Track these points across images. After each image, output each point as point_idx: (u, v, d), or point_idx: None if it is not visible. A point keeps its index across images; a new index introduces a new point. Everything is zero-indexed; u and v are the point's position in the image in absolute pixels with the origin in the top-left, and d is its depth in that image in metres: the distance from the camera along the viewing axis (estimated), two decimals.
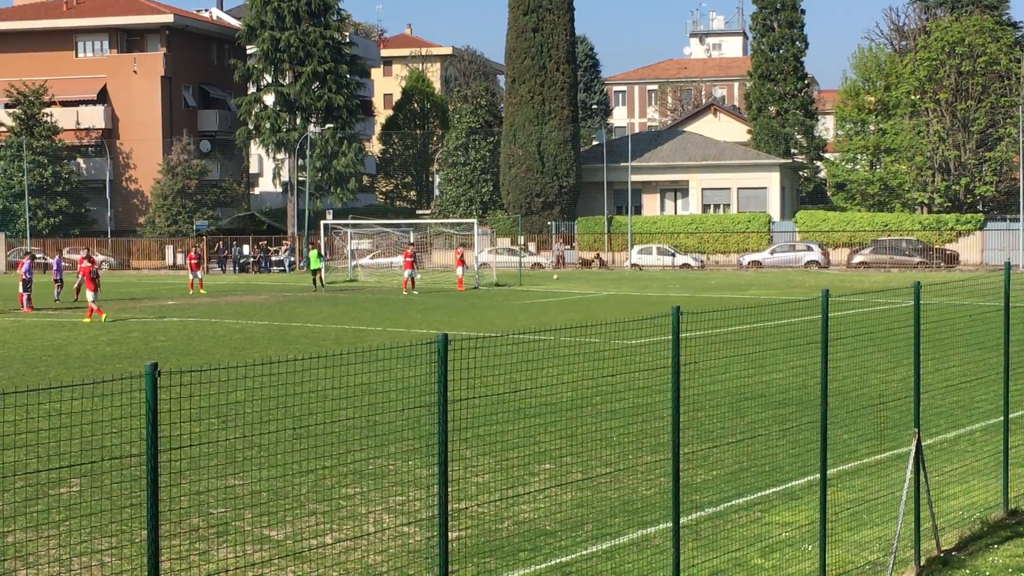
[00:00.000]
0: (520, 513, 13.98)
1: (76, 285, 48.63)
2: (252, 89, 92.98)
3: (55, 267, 53.37)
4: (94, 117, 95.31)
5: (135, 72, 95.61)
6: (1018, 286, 15.26)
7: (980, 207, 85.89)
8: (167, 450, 9.68)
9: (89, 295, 44.69)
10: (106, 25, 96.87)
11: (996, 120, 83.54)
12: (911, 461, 12.23)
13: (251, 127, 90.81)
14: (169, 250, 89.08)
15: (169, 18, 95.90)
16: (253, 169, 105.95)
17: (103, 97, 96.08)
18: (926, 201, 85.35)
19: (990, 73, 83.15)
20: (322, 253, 63.64)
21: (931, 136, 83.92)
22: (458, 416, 10.17)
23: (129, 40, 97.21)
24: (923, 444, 12.49)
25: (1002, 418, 14.70)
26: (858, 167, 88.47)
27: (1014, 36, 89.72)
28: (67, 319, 41.81)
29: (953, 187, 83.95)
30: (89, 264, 48.16)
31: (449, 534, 8.59)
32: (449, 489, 8.58)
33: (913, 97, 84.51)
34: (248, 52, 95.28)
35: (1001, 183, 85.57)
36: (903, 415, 15.38)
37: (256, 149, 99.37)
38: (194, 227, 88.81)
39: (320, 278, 60.25)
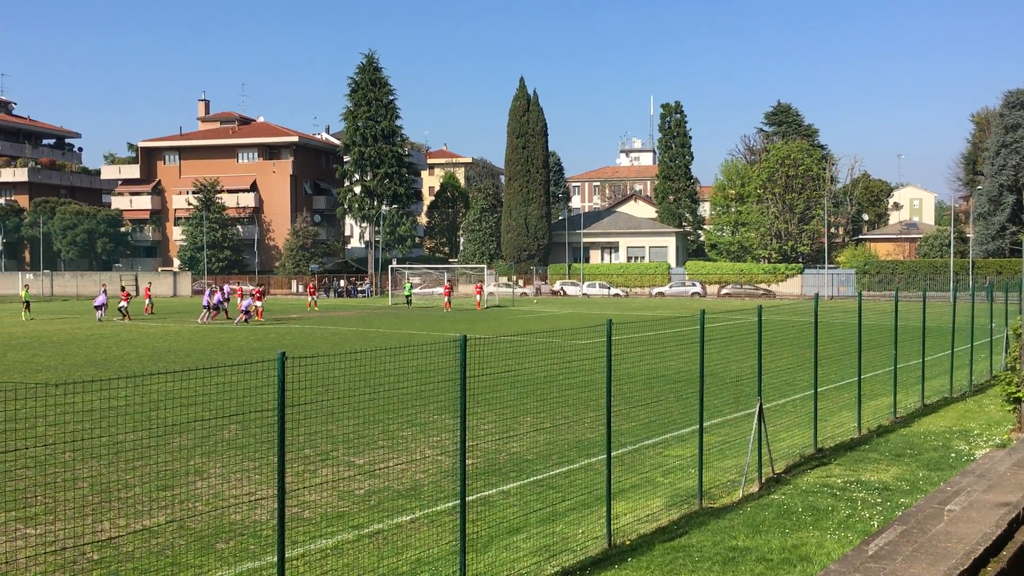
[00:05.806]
0: (511, 448, 13.96)
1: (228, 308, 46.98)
2: (347, 183, 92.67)
3: (208, 294, 46.37)
4: (247, 200, 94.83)
5: (274, 172, 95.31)
6: (822, 309, 15.29)
7: (800, 260, 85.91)
8: (294, 405, 9.61)
9: (244, 304, 45.02)
10: (256, 143, 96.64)
11: (810, 205, 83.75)
12: (756, 418, 12.24)
13: (346, 207, 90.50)
14: (294, 283, 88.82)
15: (295, 139, 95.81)
16: (346, 233, 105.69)
17: (254, 187, 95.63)
18: (766, 256, 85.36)
19: (806, 176, 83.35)
20: (413, 286, 65.67)
21: (769, 215, 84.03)
22: (473, 387, 10.11)
23: (270, 152, 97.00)
24: (764, 407, 12.50)
25: (812, 391, 14.75)
26: (724, 234, 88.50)
27: (821, 153, 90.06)
28: (230, 326, 41.62)
29: (783, 247, 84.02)
30: (254, 291, 48.31)
31: (467, 460, 8.51)
32: (466, 433, 8.53)
33: (759, 191, 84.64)
34: (344, 160, 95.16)
35: (813, 245, 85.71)
36: (751, 388, 15.39)
37: (349, 220, 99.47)
38: (310, 269, 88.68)
39: (410, 300, 62.66)
